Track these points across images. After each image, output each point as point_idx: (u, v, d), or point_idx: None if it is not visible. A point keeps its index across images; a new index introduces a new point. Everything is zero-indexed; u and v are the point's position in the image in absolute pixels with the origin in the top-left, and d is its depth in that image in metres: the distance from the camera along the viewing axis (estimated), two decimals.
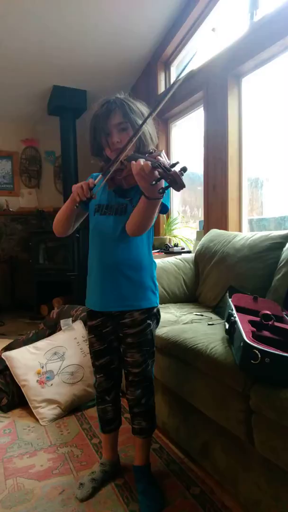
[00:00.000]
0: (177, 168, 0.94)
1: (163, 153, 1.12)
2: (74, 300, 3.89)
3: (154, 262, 1.37)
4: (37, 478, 1.46)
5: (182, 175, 0.93)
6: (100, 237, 1.31)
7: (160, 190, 0.96)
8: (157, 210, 1.14)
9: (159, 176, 0.96)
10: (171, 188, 0.95)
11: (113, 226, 1.27)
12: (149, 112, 1.16)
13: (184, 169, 0.93)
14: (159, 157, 1.04)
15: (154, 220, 1.24)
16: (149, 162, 0.98)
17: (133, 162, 1.01)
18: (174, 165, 0.96)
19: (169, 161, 1.08)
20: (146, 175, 0.98)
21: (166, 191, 0.98)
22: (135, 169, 1.00)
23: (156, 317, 1.37)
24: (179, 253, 2.96)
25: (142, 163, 0.99)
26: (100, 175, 1.17)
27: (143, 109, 1.28)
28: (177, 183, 0.93)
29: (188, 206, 3.65)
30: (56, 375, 2.00)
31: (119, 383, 1.43)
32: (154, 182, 0.97)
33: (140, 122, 1.23)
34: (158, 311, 1.37)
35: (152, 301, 1.33)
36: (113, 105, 1.23)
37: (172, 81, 3.64)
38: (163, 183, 0.97)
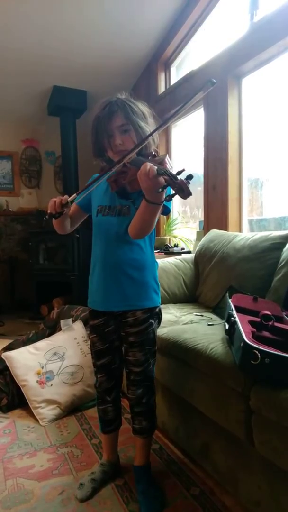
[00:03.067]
0: (183, 176, 0.94)
1: (167, 158, 1.12)
2: (74, 301, 3.88)
3: (156, 262, 1.38)
4: (37, 478, 1.46)
5: (189, 183, 0.93)
6: (102, 238, 1.32)
7: (167, 198, 0.97)
8: (158, 214, 1.14)
9: (165, 183, 0.97)
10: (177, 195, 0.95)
11: (116, 227, 1.28)
12: (155, 128, 1.18)
13: (190, 177, 0.94)
14: (165, 164, 1.04)
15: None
16: (155, 169, 0.98)
17: (140, 170, 1.01)
18: (180, 172, 0.96)
19: (172, 165, 1.09)
20: (152, 182, 0.99)
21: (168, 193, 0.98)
22: (141, 176, 1.00)
23: (158, 316, 1.37)
24: (179, 253, 2.96)
25: (148, 168, 0.99)
26: (74, 195, 1.21)
27: (145, 109, 1.29)
28: (184, 191, 0.93)
29: (188, 206, 3.65)
30: (56, 376, 2.00)
31: (119, 383, 1.43)
32: (160, 190, 0.98)
33: (141, 123, 1.25)
34: (160, 310, 1.38)
35: (154, 301, 1.34)
36: (115, 107, 1.23)
37: (172, 82, 3.64)
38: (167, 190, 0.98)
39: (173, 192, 0.95)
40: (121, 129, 1.24)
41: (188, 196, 0.94)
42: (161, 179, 0.98)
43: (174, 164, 3.71)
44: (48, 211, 1.20)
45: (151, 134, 1.15)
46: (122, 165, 1.16)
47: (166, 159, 1.10)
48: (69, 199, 1.19)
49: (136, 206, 1.21)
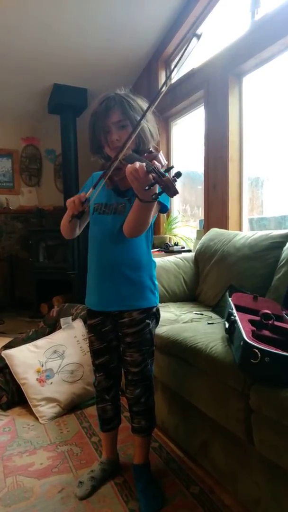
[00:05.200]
0: (171, 174, 0.93)
1: (161, 155, 1.10)
2: (74, 299, 3.88)
3: (154, 262, 1.37)
4: (36, 476, 1.46)
5: (176, 181, 0.91)
6: (98, 236, 1.30)
7: (154, 196, 0.95)
8: (152, 213, 1.12)
9: (153, 181, 0.95)
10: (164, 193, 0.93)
11: (112, 225, 1.26)
12: (146, 108, 1.15)
13: (178, 175, 0.92)
14: (155, 160, 1.02)
15: (154, 219, 1.23)
16: (144, 165, 0.96)
17: (127, 168, 0.99)
18: (169, 169, 0.94)
19: (166, 162, 1.07)
20: (140, 179, 0.96)
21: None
22: (129, 172, 0.98)
23: (156, 316, 1.36)
24: (179, 252, 2.96)
25: (137, 166, 0.96)
26: (92, 188, 1.17)
27: (144, 105, 1.25)
28: (170, 189, 0.91)
29: (189, 205, 3.65)
30: (55, 374, 2.00)
31: (118, 382, 1.43)
32: (147, 188, 0.96)
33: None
34: (157, 310, 1.37)
35: (151, 301, 1.32)
36: (112, 102, 1.21)
37: (173, 80, 3.63)
38: (157, 188, 0.97)
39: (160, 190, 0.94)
40: (118, 125, 1.22)
41: (175, 195, 0.92)
42: (149, 176, 0.96)
43: (175, 163, 3.70)
44: (70, 213, 1.18)
45: (141, 118, 1.12)
46: (118, 162, 1.15)
47: (159, 156, 1.08)
48: (87, 195, 1.16)
49: (131, 204, 1.19)
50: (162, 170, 0.94)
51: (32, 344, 2.12)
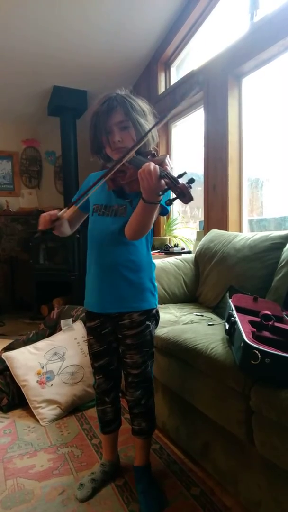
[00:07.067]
0: (184, 180, 0.92)
1: (168, 159, 1.10)
2: (74, 301, 3.88)
3: (153, 263, 1.36)
4: (37, 478, 1.45)
5: (191, 187, 0.91)
6: (98, 238, 1.30)
7: (167, 202, 0.95)
8: (155, 215, 1.13)
9: (166, 187, 0.95)
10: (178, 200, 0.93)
11: (111, 227, 1.26)
12: (155, 123, 1.16)
13: (191, 181, 0.91)
14: (165, 165, 1.02)
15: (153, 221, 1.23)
16: (158, 169, 0.95)
17: (143, 169, 0.98)
18: (181, 175, 0.93)
19: (171, 167, 1.07)
20: (153, 184, 0.96)
21: (166, 193, 0.97)
22: (143, 175, 0.98)
23: (155, 318, 1.36)
24: (179, 253, 2.96)
25: (152, 169, 0.96)
26: (66, 208, 1.19)
27: (144, 106, 1.26)
28: (185, 196, 0.91)
29: (188, 206, 3.65)
30: (56, 376, 2.00)
31: (118, 384, 1.43)
32: (160, 193, 0.95)
33: (141, 120, 1.22)
34: (157, 312, 1.37)
35: (151, 303, 1.32)
36: (114, 103, 1.21)
37: (172, 82, 3.64)
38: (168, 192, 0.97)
39: (174, 196, 0.94)
40: (120, 125, 1.22)
41: (190, 201, 0.91)
42: (162, 182, 0.95)
43: (175, 164, 3.71)
44: (39, 227, 1.19)
45: (150, 130, 1.13)
46: (122, 165, 1.15)
47: (166, 160, 1.07)
48: (59, 214, 1.18)
49: (133, 206, 1.19)
50: (175, 176, 0.93)
51: (33, 346, 2.12)
